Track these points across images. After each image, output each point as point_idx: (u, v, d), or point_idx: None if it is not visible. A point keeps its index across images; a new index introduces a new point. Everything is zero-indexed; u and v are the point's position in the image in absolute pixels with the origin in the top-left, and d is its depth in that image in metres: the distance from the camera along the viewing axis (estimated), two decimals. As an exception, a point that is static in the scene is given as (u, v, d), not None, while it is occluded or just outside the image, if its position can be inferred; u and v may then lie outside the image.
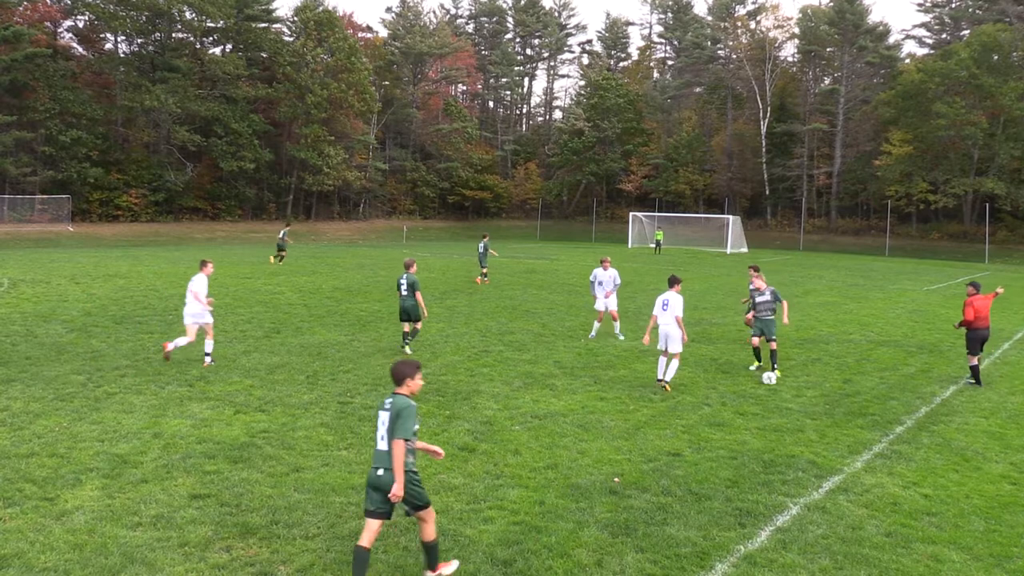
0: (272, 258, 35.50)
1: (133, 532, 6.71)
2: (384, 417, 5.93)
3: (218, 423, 9.90)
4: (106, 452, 8.65)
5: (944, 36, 76.19)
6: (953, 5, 75.19)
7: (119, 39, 61.14)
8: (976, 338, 13.54)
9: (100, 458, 8.46)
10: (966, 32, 70.12)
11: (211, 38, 65.53)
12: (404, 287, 14.73)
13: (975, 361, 13.63)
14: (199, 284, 13.37)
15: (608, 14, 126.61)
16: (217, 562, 6.24)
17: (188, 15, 60.17)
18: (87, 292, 22.54)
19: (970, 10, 72.41)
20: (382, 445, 5.92)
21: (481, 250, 29.13)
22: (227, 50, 65.66)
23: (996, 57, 59.32)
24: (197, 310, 13.32)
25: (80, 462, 8.32)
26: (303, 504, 7.39)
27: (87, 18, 59.57)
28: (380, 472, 5.89)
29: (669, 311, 12.43)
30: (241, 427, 9.75)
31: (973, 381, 13.63)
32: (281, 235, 36.12)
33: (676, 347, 12.43)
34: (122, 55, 60.90)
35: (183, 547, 6.46)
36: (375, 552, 6.41)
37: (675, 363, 12.53)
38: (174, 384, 11.85)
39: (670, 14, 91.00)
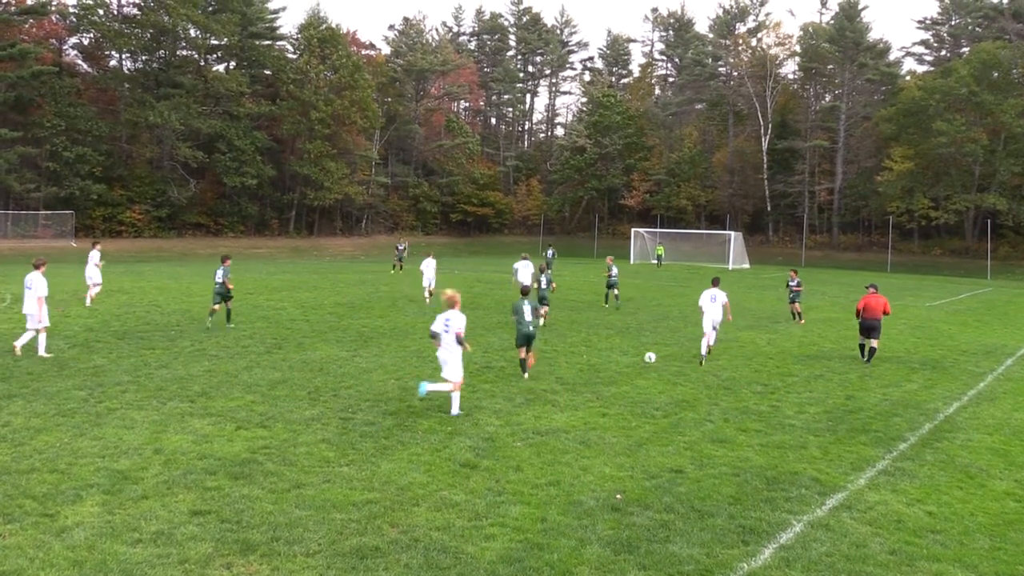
0: (393, 269, 41.06)
1: (133, 549, 6.68)
2: (527, 306, 13.93)
3: (219, 439, 9.87)
4: (107, 468, 8.63)
5: (944, 53, 76.51)
6: (953, 23, 75.53)
7: (124, 56, 61.51)
8: (864, 326, 17.16)
9: (101, 474, 8.44)
10: (966, 49, 70.42)
11: (215, 55, 65.96)
12: (544, 282, 21.64)
13: (862, 341, 17.32)
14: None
15: (609, 31, 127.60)
16: (217, 579, 6.21)
17: (192, 33, 60.62)
18: (89, 307, 22.56)
19: (970, 28, 72.77)
20: (528, 316, 13.85)
21: (550, 256, 36.70)
22: (231, 67, 66.10)
23: (996, 74, 59.60)
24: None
25: (81, 478, 8.30)
26: (304, 521, 7.36)
27: (92, 35, 60.00)
28: (531, 328, 13.94)
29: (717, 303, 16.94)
30: (242, 443, 9.73)
31: (861, 355, 17.33)
32: (401, 247, 42.51)
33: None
34: (126, 72, 61.27)
35: (183, 564, 6.43)
36: (378, 571, 6.45)
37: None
38: (175, 400, 11.83)
39: (671, 32, 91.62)
